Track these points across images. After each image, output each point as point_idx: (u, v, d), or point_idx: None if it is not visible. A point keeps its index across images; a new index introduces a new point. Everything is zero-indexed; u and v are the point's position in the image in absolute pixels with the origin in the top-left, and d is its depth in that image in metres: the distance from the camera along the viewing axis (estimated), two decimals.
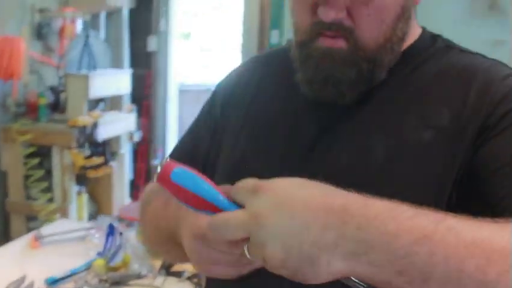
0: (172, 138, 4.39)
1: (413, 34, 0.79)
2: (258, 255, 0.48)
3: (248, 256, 0.50)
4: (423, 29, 0.81)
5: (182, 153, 0.90)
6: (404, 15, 0.74)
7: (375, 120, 0.74)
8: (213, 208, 0.52)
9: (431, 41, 0.80)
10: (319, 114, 0.78)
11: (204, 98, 0.95)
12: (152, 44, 4.13)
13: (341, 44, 0.71)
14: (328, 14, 0.69)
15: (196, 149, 0.88)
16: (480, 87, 0.67)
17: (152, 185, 0.91)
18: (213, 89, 0.94)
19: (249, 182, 0.51)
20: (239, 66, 0.95)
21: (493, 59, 0.73)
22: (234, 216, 0.50)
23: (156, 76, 4.24)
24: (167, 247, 0.82)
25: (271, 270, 0.48)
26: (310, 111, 0.79)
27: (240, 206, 0.51)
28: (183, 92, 4.57)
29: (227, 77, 0.94)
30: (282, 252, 0.46)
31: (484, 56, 0.74)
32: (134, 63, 4.14)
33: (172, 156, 0.90)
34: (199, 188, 0.52)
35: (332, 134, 0.75)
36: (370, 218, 0.45)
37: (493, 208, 0.58)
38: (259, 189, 0.49)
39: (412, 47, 0.79)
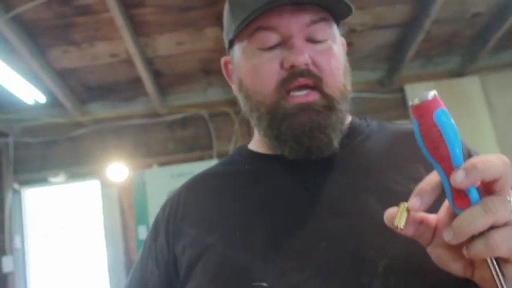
0: None
1: (347, 119, 0.86)
2: None
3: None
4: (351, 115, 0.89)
5: None
6: (347, 73, 0.81)
7: (357, 183, 0.75)
8: (446, 163, 0.51)
9: (363, 122, 0.88)
10: (291, 188, 0.77)
11: None
12: (7, 265, 3.84)
13: (313, 96, 0.75)
14: (299, 59, 0.73)
15: (145, 285, 0.85)
16: None
17: None
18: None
19: (504, 157, 0.51)
20: (167, 200, 0.93)
21: None
22: None
23: None
24: None
25: None
26: (281, 189, 0.78)
27: None
28: None
29: (160, 210, 0.91)
30: None
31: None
32: None
33: None
34: (453, 138, 0.50)
35: (316, 201, 0.74)
36: None
37: None
38: None
39: (352, 125, 0.86)
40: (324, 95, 0.76)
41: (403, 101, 4.02)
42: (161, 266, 0.83)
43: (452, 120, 0.51)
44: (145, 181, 3.78)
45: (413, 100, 0.52)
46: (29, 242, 4.10)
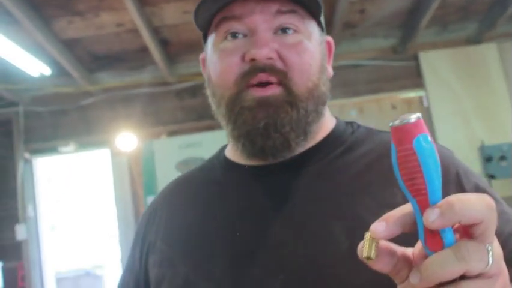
0: None
1: (331, 122, 0.81)
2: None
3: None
4: (336, 118, 0.83)
5: None
6: (323, 72, 0.76)
7: (326, 208, 0.69)
8: (422, 197, 0.45)
9: (349, 128, 0.81)
10: (254, 210, 0.73)
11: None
12: (21, 233, 3.92)
13: (273, 90, 0.70)
14: (261, 53, 0.68)
15: None
16: None
17: None
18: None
19: (487, 199, 0.44)
20: (150, 205, 0.90)
21: None
22: None
23: (29, 267, 3.95)
24: None
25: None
26: (242, 210, 0.74)
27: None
28: (61, 279, 4.28)
29: (142, 217, 0.89)
30: None
31: None
32: (1, 255, 3.85)
33: None
34: (432, 170, 0.44)
35: (280, 225, 0.70)
36: None
37: None
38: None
39: (333, 133, 0.79)
40: (287, 90, 0.70)
41: (417, 69, 3.91)
42: (135, 278, 0.83)
43: (435, 150, 0.44)
44: (154, 151, 3.77)
45: (394, 121, 0.45)
46: (41, 210, 4.16)
